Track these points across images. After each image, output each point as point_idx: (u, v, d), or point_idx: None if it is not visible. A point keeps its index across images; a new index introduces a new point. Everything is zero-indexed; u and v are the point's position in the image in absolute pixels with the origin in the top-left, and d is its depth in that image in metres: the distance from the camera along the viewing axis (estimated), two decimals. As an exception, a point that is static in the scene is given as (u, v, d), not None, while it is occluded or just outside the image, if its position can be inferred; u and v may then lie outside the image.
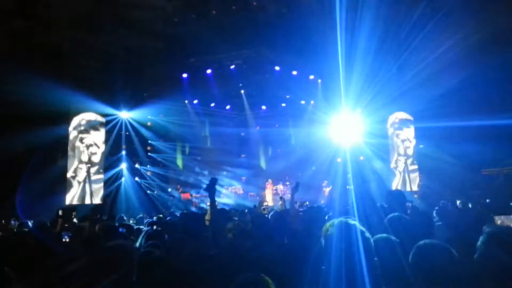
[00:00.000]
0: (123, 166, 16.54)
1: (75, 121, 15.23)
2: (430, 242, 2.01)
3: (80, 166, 15.25)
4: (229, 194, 18.19)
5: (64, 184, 14.93)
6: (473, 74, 13.21)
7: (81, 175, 15.25)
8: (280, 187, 18.51)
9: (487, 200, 9.54)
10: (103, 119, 15.65)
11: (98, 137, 15.59)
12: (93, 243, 3.96)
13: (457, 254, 1.94)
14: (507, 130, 12.63)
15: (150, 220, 8.43)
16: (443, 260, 1.91)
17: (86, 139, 15.35)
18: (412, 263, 2.00)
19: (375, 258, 1.92)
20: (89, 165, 15.31)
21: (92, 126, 15.42)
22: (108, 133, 16.04)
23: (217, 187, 18.32)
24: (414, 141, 17.11)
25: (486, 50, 12.51)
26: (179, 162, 18.70)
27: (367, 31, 13.27)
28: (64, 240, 5.64)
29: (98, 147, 15.54)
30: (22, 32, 13.62)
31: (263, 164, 19.67)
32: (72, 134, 15.20)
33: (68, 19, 14.26)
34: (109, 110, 16.00)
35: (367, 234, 1.86)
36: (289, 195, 5.07)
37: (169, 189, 18.07)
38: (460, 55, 13.17)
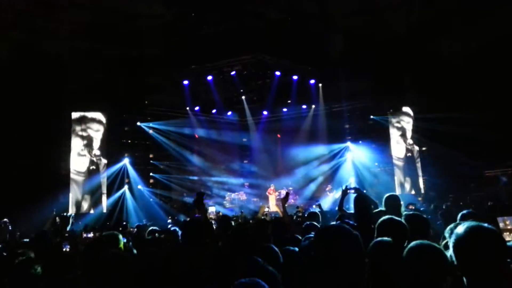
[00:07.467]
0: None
1: (74, 121, 15.45)
2: (420, 243, 2.02)
3: (82, 167, 15.37)
4: (231, 200, 18.13)
5: (67, 191, 14.99)
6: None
7: (82, 180, 15.33)
8: (283, 192, 18.38)
9: (489, 203, 9.46)
10: (102, 118, 15.77)
11: (97, 135, 15.71)
12: (94, 253, 3.97)
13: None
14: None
15: (153, 228, 8.39)
16: (433, 260, 1.91)
17: (86, 139, 15.54)
18: (404, 263, 2.00)
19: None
20: (93, 166, 15.42)
21: (91, 126, 15.60)
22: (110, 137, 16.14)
23: (221, 193, 18.21)
24: (416, 145, 17.05)
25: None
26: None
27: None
28: (64, 250, 5.66)
29: (99, 151, 15.67)
30: (23, 42, 13.80)
31: (265, 169, 19.61)
32: (73, 135, 15.39)
33: (69, 30, 14.41)
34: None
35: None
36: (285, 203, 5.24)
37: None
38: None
